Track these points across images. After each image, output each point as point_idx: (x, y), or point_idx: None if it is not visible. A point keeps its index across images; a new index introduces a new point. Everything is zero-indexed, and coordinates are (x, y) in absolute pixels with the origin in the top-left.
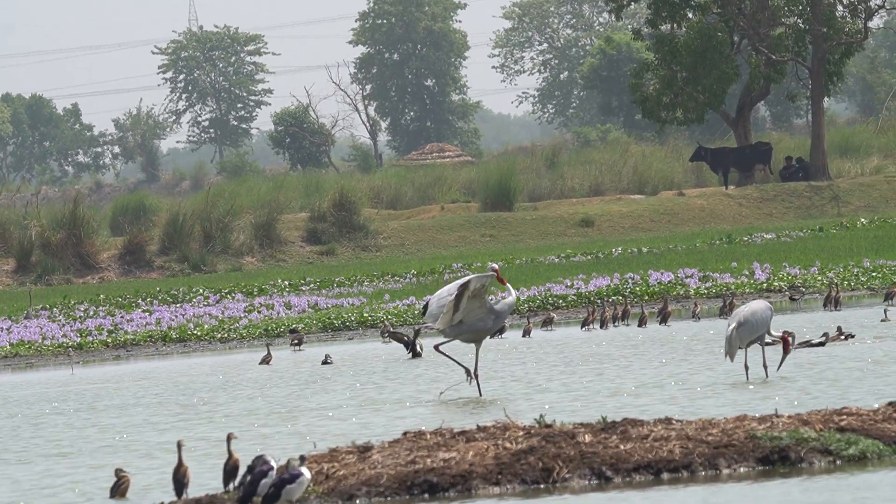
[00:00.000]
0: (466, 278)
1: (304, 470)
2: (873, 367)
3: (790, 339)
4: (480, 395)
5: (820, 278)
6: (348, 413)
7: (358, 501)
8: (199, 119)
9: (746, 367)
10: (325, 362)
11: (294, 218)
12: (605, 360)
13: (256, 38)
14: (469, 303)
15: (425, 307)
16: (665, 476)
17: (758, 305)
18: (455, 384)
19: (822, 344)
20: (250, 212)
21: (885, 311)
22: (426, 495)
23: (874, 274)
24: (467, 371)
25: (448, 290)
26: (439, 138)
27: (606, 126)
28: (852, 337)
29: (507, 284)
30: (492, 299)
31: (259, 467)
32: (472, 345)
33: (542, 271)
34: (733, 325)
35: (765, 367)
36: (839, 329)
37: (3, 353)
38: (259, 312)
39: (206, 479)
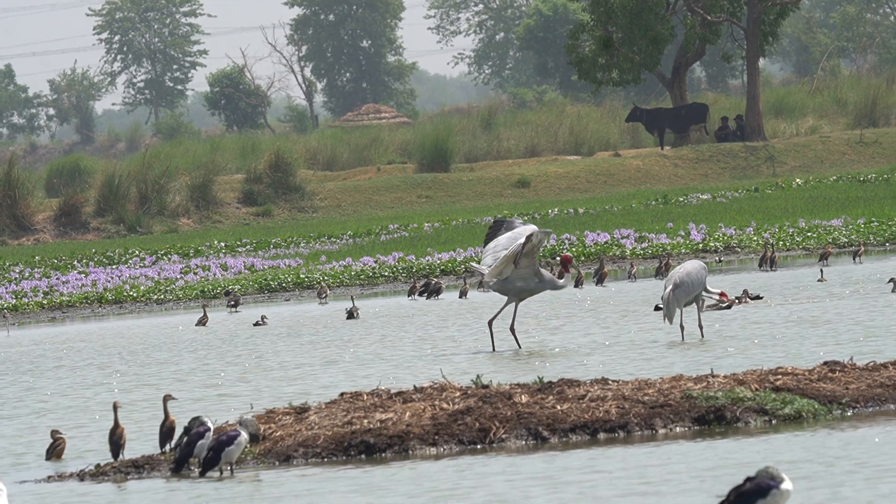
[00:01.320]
0: (528, 230)
1: (243, 430)
2: (809, 328)
3: (727, 295)
4: (520, 347)
5: (755, 238)
6: (285, 375)
7: (295, 462)
8: (135, 80)
9: (682, 328)
10: (257, 323)
11: (230, 179)
12: (542, 321)
13: None
14: (523, 259)
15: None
16: (601, 436)
17: (691, 266)
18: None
19: (728, 307)
20: (186, 173)
21: (822, 270)
22: (363, 456)
23: (809, 234)
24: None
25: (504, 244)
26: (375, 99)
27: (542, 87)
28: (759, 299)
29: (569, 273)
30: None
31: (195, 429)
32: (510, 302)
33: (478, 232)
34: (669, 287)
35: (700, 327)
36: (745, 291)
37: None
38: (195, 274)
39: (142, 440)
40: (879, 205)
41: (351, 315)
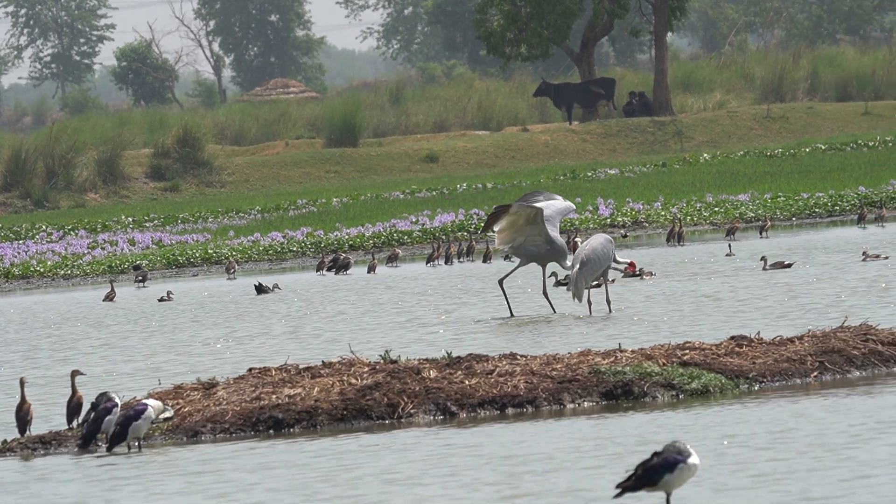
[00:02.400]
0: (548, 203)
1: (150, 402)
2: (715, 303)
3: (635, 265)
4: (554, 311)
5: (663, 213)
6: (193, 350)
7: (203, 438)
8: (41, 54)
9: (589, 303)
10: (162, 299)
11: (138, 154)
12: (450, 296)
13: None
14: (527, 227)
15: (486, 224)
16: (510, 411)
17: (596, 242)
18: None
19: (598, 285)
20: (93, 148)
21: (730, 245)
22: (271, 431)
23: (717, 209)
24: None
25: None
26: (283, 74)
27: (451, 62)
28: (652, 274)
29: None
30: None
31: (103, 404)
32: (521, 264)
33: (387, 207)
34: (576, 266)
35: (608, 301)
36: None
37: None
38: (103, 249)
39: (50, 416)
40: (786, 180)
41: (260, 290)
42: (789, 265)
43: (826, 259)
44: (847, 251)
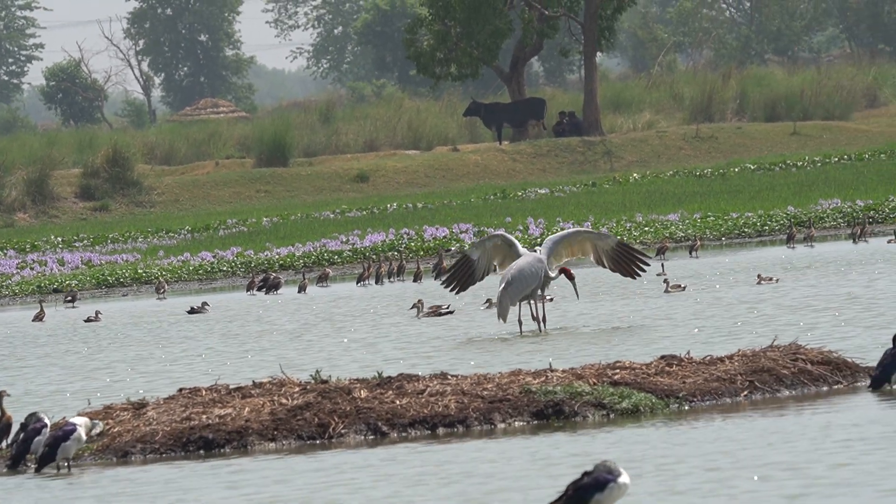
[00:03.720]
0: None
1: (78, 421)
2: (644, 323)
3: (570, 269)
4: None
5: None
6: (123, 370)
7: (132, 458)
8: None
9: (520, 322)
10: (89, 319)
11: (67, 174)
12: (379, 317)
13: None
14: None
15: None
16: (441, 431)
17: (524, 261)
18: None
19: (450, 312)
20: (22, 168)
21: (662, 265)
22: (202, 451)
23: (647, 229)
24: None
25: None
26: (213, 94)
27: (381, 81)
28: (550, 300)
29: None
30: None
31: (32, 425)
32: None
33: (317, 227)
34: (502, 285)
35: (536, 320)
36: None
37: None
38: (32, 269)
39: None
40: (715, 199)
41: (193, 310)
42: (684, 288)
43: (726, 280)
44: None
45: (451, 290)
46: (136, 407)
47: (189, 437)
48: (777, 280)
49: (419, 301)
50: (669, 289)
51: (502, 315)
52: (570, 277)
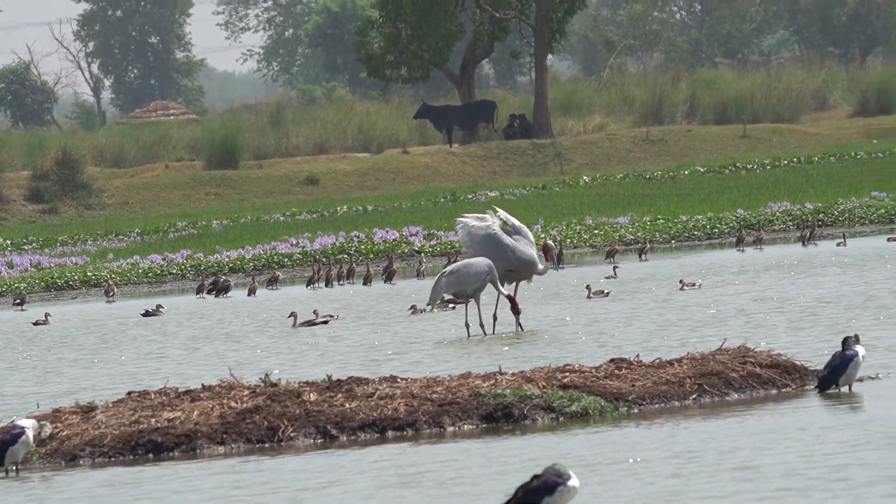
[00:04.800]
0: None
1: (26, 423)
2: (600, 325)
3: (517, 302)
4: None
5: (543, 236)
6: (72, 374)
7: (81, 462)
8: None
9: (467, 325)
10: (38, 322)
11: (16, 176)
12: (330, 320)
13: None
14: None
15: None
16: (390, 434)
17: (475, 260)
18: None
19: (325, 322)
20: None
21: (615, 268)
22: (151, 455)
23: (596, 231)
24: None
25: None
26: (163, 96)
27: (331, 84)
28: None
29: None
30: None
31: None
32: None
33: (267, 230)
34: (445, 271)
35: (481, 325)
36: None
37: None
38: None
39: None
40: (665, 202)
41: (148, 313)
42: (607, 294)
43: (651, 286)
44: (719, 274)
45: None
46: (85, 410)
47: (138, 440)
48: (700, 285)
49: (293, 313)
50: (591, 294)
51: (432, 300)
52: (514, 309)
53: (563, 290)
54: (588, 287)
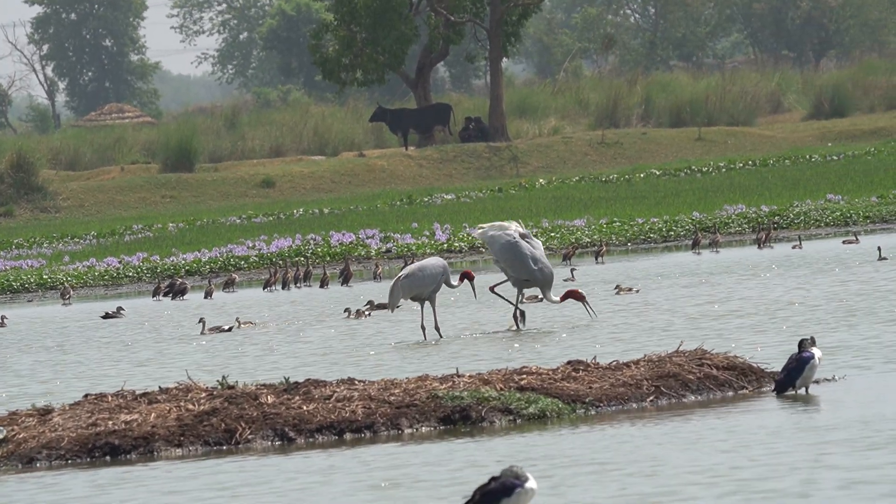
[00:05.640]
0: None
1: None
2: (555, 327)
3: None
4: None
5: None
6: (28, 376)
7: (38, 465)
8: None
9: (423, 328)
10: None
11: None
12: (285, 323)
13: None
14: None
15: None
16: (348, 436)
17: (429, 262)
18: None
19: (230, 329)
20: None
21: (572, 270)
22: (108, 458)
23: (553, 234)
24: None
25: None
26: (118, 99)
27: (287, 87)
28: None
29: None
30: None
31: None
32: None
33: (223, 232)
34: (402, 274)
35: (436, 328)
36: (370, 303)
37: None
38: None
39: None
40: (621, 205)
41: (108, 315)
42: (541, 299)
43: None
44: (668, 276)
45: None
46: (42, 413)
47: (95, 443)
48: (638, 290)
49: (202, 319)
50: (524, 300)
51: (392, 304)
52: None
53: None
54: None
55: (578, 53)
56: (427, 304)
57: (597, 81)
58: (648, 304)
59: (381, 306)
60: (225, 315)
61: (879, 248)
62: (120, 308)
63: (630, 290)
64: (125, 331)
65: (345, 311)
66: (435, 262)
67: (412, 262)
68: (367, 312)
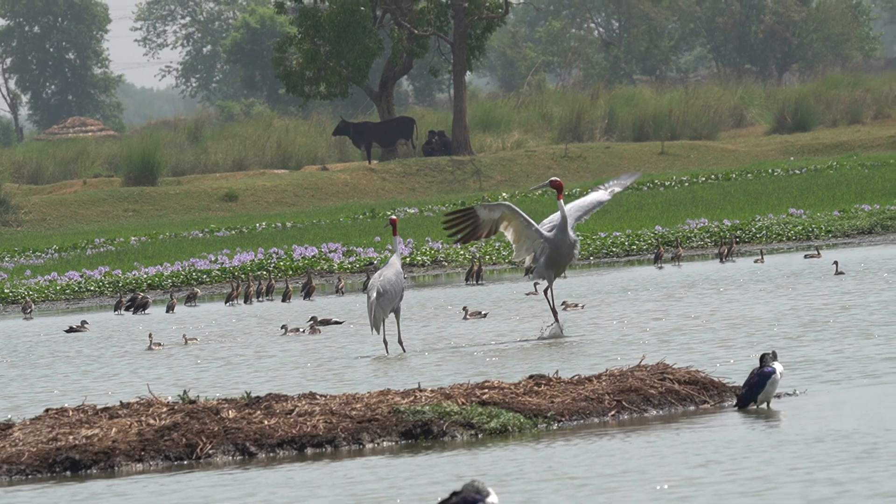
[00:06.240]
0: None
1: None
2: (518, 342)
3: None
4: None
5: (462, 252)
6: None
7: None
8: None
9: (386, 343)
10: None
11: None
12: (254, 336)
13: None
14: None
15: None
16: (309, 451)
17: (391, 272)
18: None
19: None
20: None
21: (535, 284)
22: (68, 473)
23: None
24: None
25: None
26: (81, 112)
27: (250, 100)
28: (339, 323)
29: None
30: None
31: None
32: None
33: (185, 246)
34: (373, 295)
35: (400, 342)
36: (313, 318)
37: None
38: None
39: None
40: None
41: (72, 329)
42: (485, 315)
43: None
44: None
45: (455, 241)
46: (2, 428)
47: (56, 457)
48: (583, 306)
49: (150, 334)
50: (468, 316)
51: (376, 326)
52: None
53: (485, 305)
54: (464, 308)
55: (542, 67)
56: (393, 315)
57: (560, 95)
58: (613, 319)
59: (325, 322)
60: (191, 329)
61: (836, 263)
62: (84, 322)
63: (576, 305)
64: (88, 345)
65: (281, 328)
66: (393, 272)
67: (373, 273)
68: (303, 330)
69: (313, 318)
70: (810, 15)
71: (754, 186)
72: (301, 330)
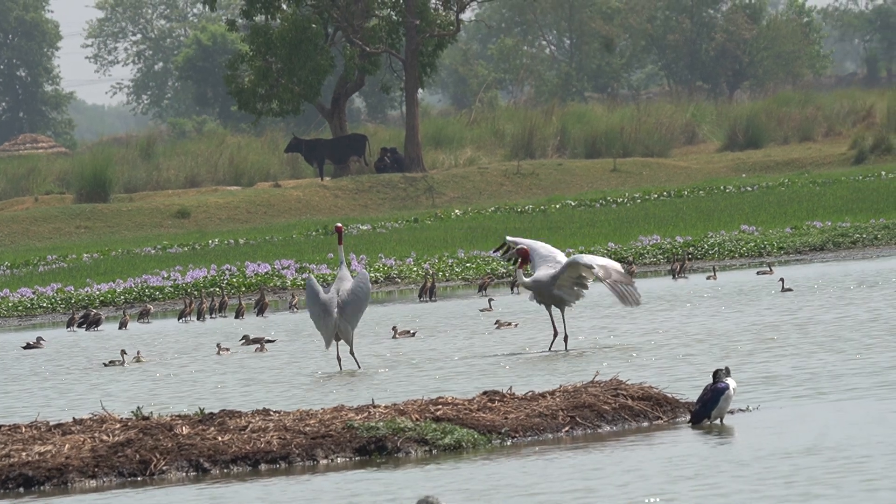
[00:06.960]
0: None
1: None
2: (474, 358)
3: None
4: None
5: (415, 269)
6: None
7: None
8: None
9: (339, 359)
10: None
11: None
12: (208, 352)
13: None
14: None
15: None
16: (263, 467)
17: (357, 289)
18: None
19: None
20: None
21: (490, 301)
22: (21, 489)
23: (468, 265)
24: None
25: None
26: (32, 129)
27: (202, 117)
28: (272, 342)
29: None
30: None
31: None
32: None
33: (138, 263)
34: (335, 311)
35: (352, 353)
36: (245, 337)
37: None
38: None
39: None
40: (536, 235)
41: (29, 346)
42: (413, 333)
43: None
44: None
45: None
46: None
47: (8, 474)
48: (516, 325)
49: (123, 350)
50: (397, 335)
51: (349, 343)
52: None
53: (436, 322)
54: (394, 328)
55: (494, 84)
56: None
57: (512, 112)
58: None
59: (256, 340)
60: (143, 346)
61: (782, 280)
62: (40, 338)
63: (510, 324)
64: (44, 362)
65: (216, 346)
66: (359, 282)
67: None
68: (234, 351)
69: (245, 337)
70: (761, 33)
71: (706, 203)
72: (232, 351)
